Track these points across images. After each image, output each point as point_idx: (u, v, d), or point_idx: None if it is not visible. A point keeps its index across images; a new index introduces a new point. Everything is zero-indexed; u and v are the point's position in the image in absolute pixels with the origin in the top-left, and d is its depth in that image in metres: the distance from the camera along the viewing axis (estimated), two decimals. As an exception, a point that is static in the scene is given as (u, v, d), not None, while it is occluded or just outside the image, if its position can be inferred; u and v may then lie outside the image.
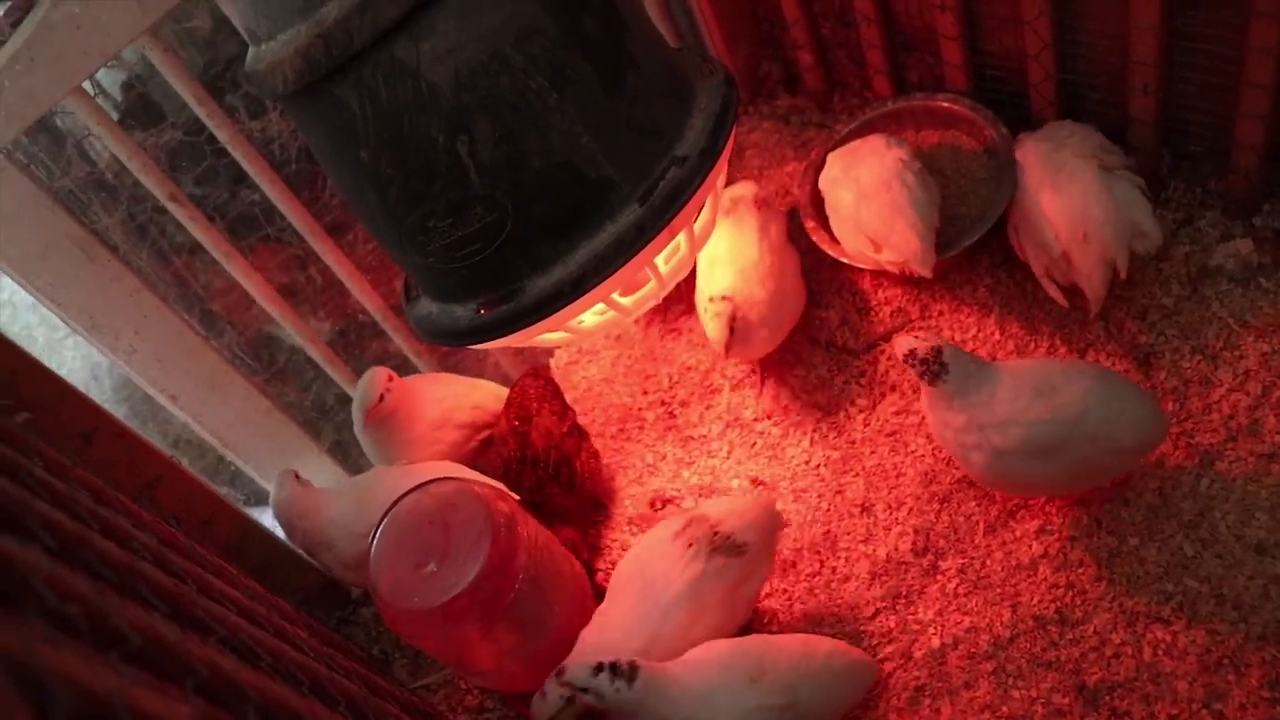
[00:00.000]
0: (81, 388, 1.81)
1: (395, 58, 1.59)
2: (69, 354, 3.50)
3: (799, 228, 2.32)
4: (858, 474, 2.06)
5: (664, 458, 2.27)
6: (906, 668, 1.80)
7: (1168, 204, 2.13)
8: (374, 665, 2.00)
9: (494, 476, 2.09)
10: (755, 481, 2.13)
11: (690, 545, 1.73)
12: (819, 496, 2.06)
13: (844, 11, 2.44)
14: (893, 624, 1.86)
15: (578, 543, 2.09)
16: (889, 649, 1.83)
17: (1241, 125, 1.92)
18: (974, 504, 1.93)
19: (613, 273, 1.76)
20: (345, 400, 2.50)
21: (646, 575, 1.74)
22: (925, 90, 2.44)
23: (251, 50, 1.74)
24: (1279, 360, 1.88)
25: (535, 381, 2.19)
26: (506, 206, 1.69)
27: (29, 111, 1.80)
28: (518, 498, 1.99)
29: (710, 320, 2.06)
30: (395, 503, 1.79)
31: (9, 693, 0.57)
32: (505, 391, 2.25)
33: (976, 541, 1.89)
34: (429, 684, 2.13)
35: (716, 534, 1.74)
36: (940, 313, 2.20)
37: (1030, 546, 1.85)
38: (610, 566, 2.13)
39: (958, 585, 1.86)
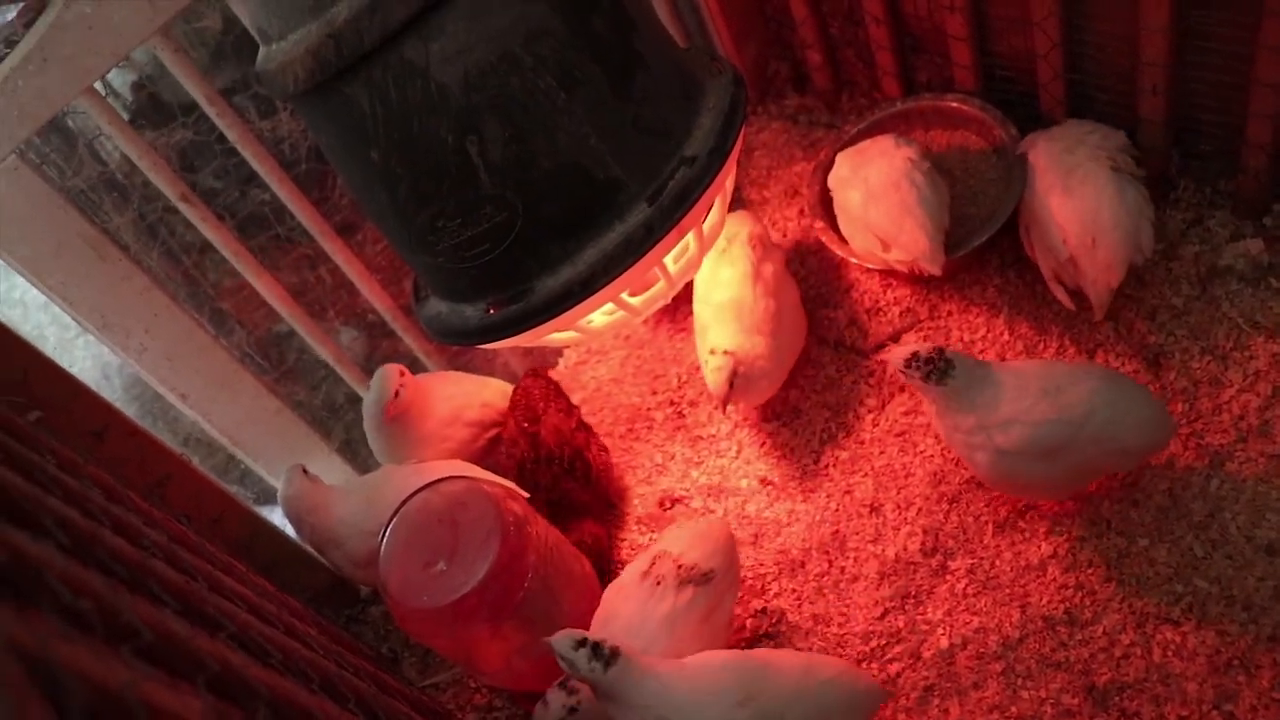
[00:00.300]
0: (93, 386, 1.82)
1: (405, 58, 1.59)
2: (80, 353, 3.51)
3: (805, 229, 2.31)
4: (866, 474, 2.06)
5: (673, 457, 2.27)
6: (915, 668, 1.80)
7: (1177, 204, 2.12)
8: (383, 663, 2.00)
9: (504, 476, 2.09)
10: (764, 481, 2.13)
11: (658, 583, 1.73)
12: (828, 496, 2.06)
13: (853, 11, 2.44)
14: (901, 624, 1.86)
15: (602, 538, 2.09)
16: (897, 649, 1.83)
17: (1252, 125, 1.91)
18: (983, 504, 1.93)
19: (621, 273, 1.77)
20: (355, 399, 2.50)
21: (622, 619, 1.74)
22: (934, 91, 2.43)
23: (262, 50, 1.75)
24: (1289, 361, 1.87)
25: (537, 381, 2.20)
26: (516, 206, 1.69)
27: (42, 111, 1.80)
28: (527, 495, 2.00)
29: (711, 373, 2.04)
30: (405, 501, 1.80)
31: (24, 686, 0.58)
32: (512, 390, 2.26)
33: (985, 542, 1.89)
34: (438, 682, 2.14)
35: (681, 567, 1.74)
36: (949, 313, 2.20)
37: (1040, 547, 1.85)
38: (619, 567, 2.13)
39: (967, 585, 1.86)
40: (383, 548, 1.77)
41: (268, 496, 2.61)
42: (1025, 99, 2.26)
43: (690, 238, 1.97)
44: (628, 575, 1.80)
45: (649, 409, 2.37)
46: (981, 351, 2.11)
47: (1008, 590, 1.83)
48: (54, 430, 1.51)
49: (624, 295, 1.98)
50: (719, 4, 2.55)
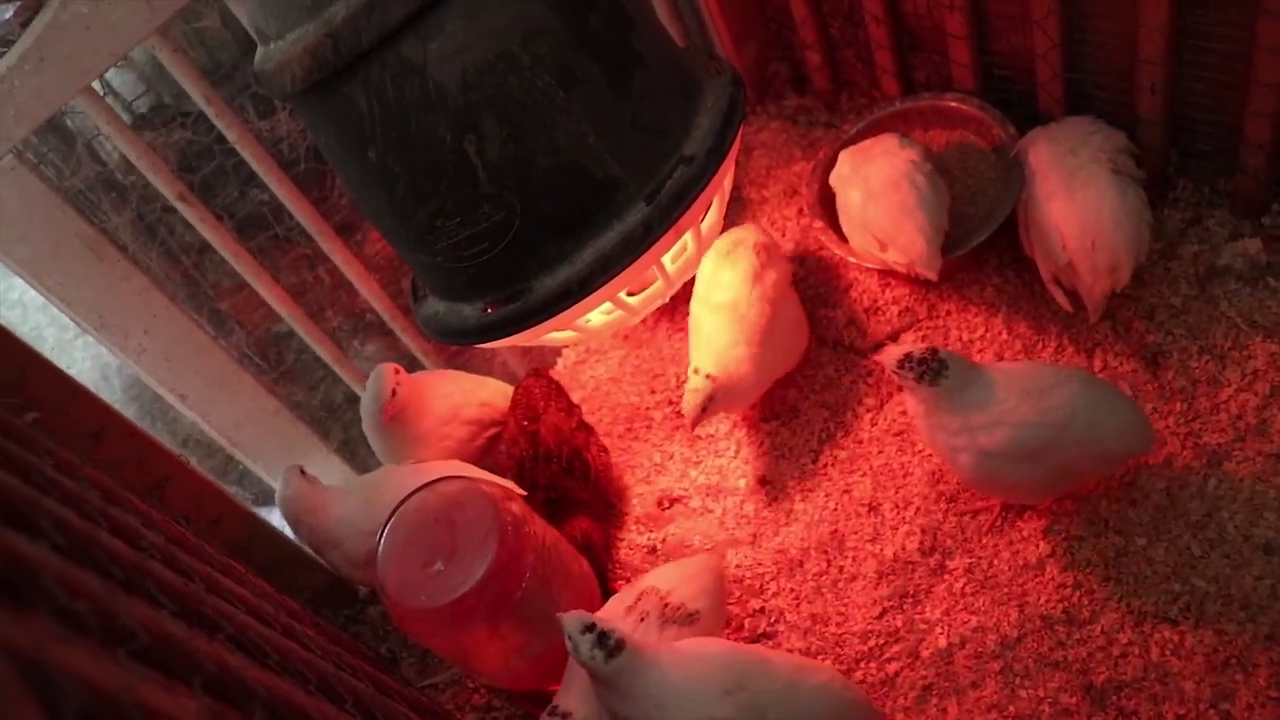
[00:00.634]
0: (91, 388, 1.82)
1: (403, 57, 1.59)
2: (79, 354, 3.51)
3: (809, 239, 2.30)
4: (865, 473, 2.06)
5: (671, 457, 2.27)
6: (914, 667, 1.80)
7: (1176, 203, 2.12)
8: (381, 664, 2.00)
9: (504, 475, 2.09)
10: (762, 481, 2.13)
11: (642, 620, 1.72)
12: (826, 496, 2.06)
13: (852, 11, 2.44)
14: (900, 623, 1.86)
15: (594, 532, 2.08)
16: (896, 648, 1.83)
17: (1250, 124, 1.91)
18: (981, 503, 1.93)
19: (620, 272, 1.77)
20: (353, 399, 2.50)
21: None
22: (933, 90, 2.43)
23: (260, 49, 1.75)
24: (1288, 360, 1.87)
25: (539, 381, 2.20)
26: (514, 205, 1.69)
27: (39, 111, 1.80)
28: (524, 493, 2.00)
29: (688, 393, 2.02)
30: (403, 501, 1.80)
31: (18, 689, 0.58)
32: (512, 389, 2.25)
33: (984, 541, 1.89)
34: (436, 683, 2.14)
35: (667, 605, 1.73)
36: (948, 312, 2.20)
37: (1038, 546, 1.85)
38: (618, 566, 2.13)
39: (965, 585, 1.86)
40: (380, 548, 1.76)
41: (266, 497, 2.61)
42: (1024, 98, 2.26)
43: (688, 237, 1.98)
44: (612, 607, 1.79)
45: (648, 408, 2.37)
46: (980, 351, 2.11)
47: (1006, 589, 1.83)
48: (52, 431, 1.51)
49: (622, 295, 1.99)
50: (719, 4, 2.55)
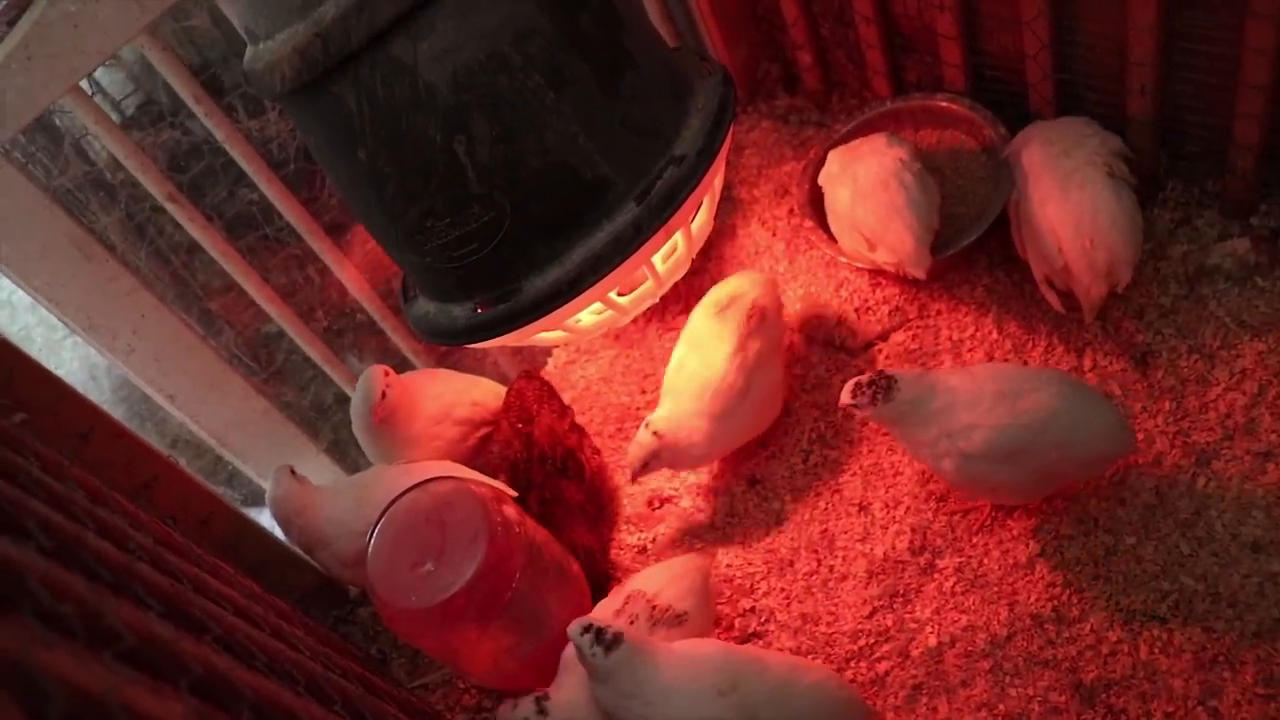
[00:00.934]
0: (80, 388, 1.81)
1: (393, 56, 1.59)
2: (67, 354, 3.50)
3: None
4: (855, 473, 2.07)
5: (662, 457, 2.27)
6: (904, 666, 1.81)
7: (1165, 204, 2.13)
8: (371, 665, 2.00)
9: (496, 477, 2.09)
10: (752, 480, 2.13)
11: (631, 623, 1.72)
12: (816, 495, 2.07)
13: (843, 11, 2.44)
14: (890, 622, 1.86)
15: (594, 550, 2.08)
16: (886, 647, 1.83)
17: (1238, 125, 1.91)
18: (971, 503, 1.93)
19: (610, 272, 1.77)
20: (343, 399, 2.50)
21: None
22: (924, 90, 2.44)
23: (250, 49, 1.74)
24: (1275, 359, 1.88)
25: (531, 383, 2.19)
26: (504, 206, 1.69)
27: (26, 110, 1.80)
28: (515, 494, 2.00)
29: (633, 444, 2.00)
30: (393, 501, 1.80)
31: (2, 692, 0.57)
32: (504, 389, 2.25)
33: (973, 540, 1.89)
34: (427, 683, 2.13)
35: (655, 608, 1.74)
36: (938, 312, 2.20)
37: (1027, 545, 1.85)
38: (610, 566, 2.13)
39: (955, 584, 1.86)
40: (370, 548, 1.76)
41: (256, 498, 2.60)
42: (1015, 99, 2.26)
43: (679, 237, 1.97)
44: (600, 610, 1.80)
45: (638, 408, 2.37)
46: (970, 351, 2.12)
47: (995, 588, 1.83)
48: (39, 432, 1.51)
49: (612, 295, 1.98)
50: (710, 4, 2.55)
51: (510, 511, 1.79)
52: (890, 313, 2.24)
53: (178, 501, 1.93)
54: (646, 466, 2.00)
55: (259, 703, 0.94)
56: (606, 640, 1.52)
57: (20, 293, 2.16)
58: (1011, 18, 2.11)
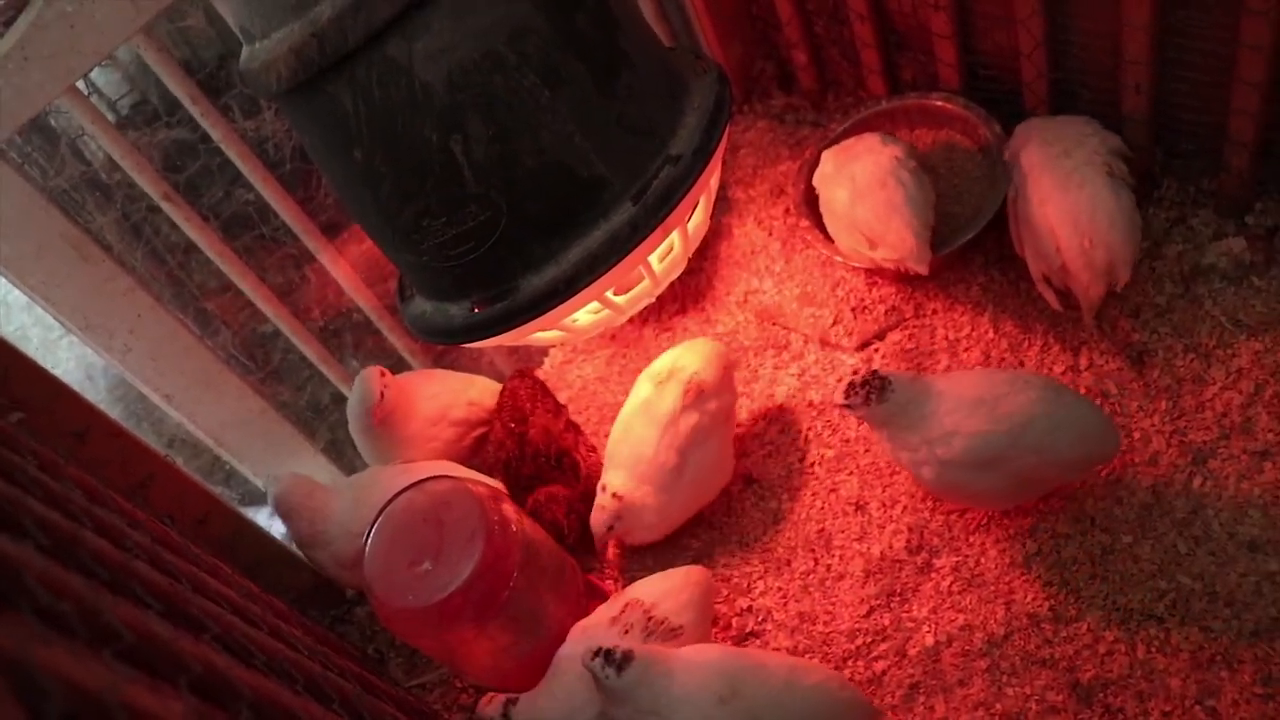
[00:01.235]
0: (76, 388, 1.81)
1: (388, 56, 1.59)
2: (64, 354, 3.50)
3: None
4: (852, 472, 2.07)
5: (659, 456, 2.26)
6: (901, 665, 1.81)
7: (1160, 203, 2.13)
8: (369, 664, 2.00)
9: (490, 475, 2.09)
10: (749, 480, 2.13)
11: (626, 632, 1.72)
12: (813, 495, 2.07)
13: (838, 10, 2.45)
14: (887, 622, 1.86)
15: (560, 496, 2.07)
16: (883, 646, 1.83)
17: (1234, 123, 1.92)
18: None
19: (606, 271, 1.77)
20: (340, 400, 2.50)
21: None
22: (919, 89, 2.44)
23: (245, 49, 1.74)
24: (1271, 358, 1.88)
25: (524, 382, 2.19)
26: (500, 205, 1.69)
27: (22, 110, 1.79)
28: (507, 490, 2.00)
29: (594, 509, 1.99)
30: (390, 501, 1.79)
31: (1, 689, 0.57)
32: (500, 388, 2.25)
33: (970, 539, 1.90)
34: (424, 683, 2.13)
35: (650, 619, 1.73)
36: (934, 311, 2.20)
37: (1024, 544, 1.85)
38: (603, 565, 2.13)
39: (952, 583, 1.86)
40: (367, 547, 1.76)
41: (253, 498, 2.60)
42: (1009, 97, 2.27)
43: (675, 236, 1.98)
44: (597, 617, 1.79)
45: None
46: (966, 350, 2.12)
47: (993, 587, 1.83)
48: (35, 431, 1.51)
49: (609, 294, 1.99)
50: (704, 3, 2.55)
51: (508, 510, 1.79)
52: (886, 312, 2.24)
53: (175, 500, 1.93)
54: (611, 529, 1.98)
55: (257, 701, 0.94)
56: (617, 660, 1.51)
57: (16, 292, 2.15)
58: (1006, 16, 2.11)
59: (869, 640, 1.85)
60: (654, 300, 2.23)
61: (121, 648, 0.77)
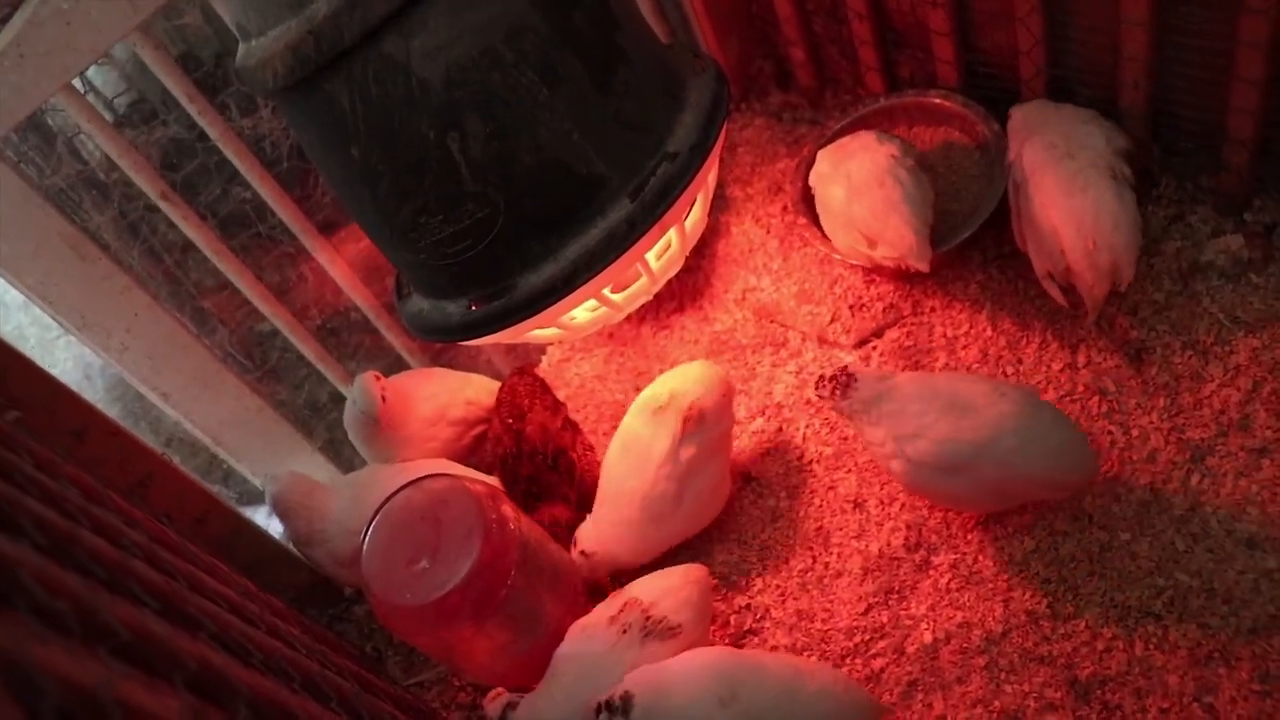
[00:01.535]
0: (74, 387, 1.81)
1: (385, 53, 1.59)
2: (61, 354, 3.50)
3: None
4: (850, 470, 2.07)
5: (657, 454, 2.26)
6: (899, 663, 1.81)
7: (1159, 200, 2.13)
8: (367, 663, 2.00)
9: (488, 473, 2.08)
10: (748, 478, 2.13)
11: (624, 632, 1.72)
12: (811, 492, 2.07)
13: (836, 8, 2.44)
14: (885, 619, 1.86)
15: (563, 520, 2.07)
16: (881, 644, 1.83)
17: (1232, 121, 1.92)
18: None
19: (604, 269, 1.77)
20: (338, 398, 2.49)
21: (585, 661, 1.73)
22: (917, 87, 2.44)
23: (242, 46, 1.74)
24: (1269, 355, 1.88)
25: (524, 379, 2.18)
26: (497, 203, 1.69)
27: (18, 109, 1.79)
28: (503, 489, 1.99)
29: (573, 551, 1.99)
30: (388, 499, 1.79)
31: (-4, 686, 0.57)
32: (498, 386, 2.25)
33: (968, 537, 1.90)
34: (422, 681, 2.13)
35: (649, 618, 1.73)
36: (932, 309, 2.20)
37: (1022, 542, 1.85)
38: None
39: (950, 580, 1.86)
40: (365, 545, 1.76)
41: (251, 497, 2.60)
42: (1008, 95, 2.26)
43: (672, 234, 1.98)
44: (596, 616, 1.79)
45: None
46: (965, 347, 2.12)
47: (991, 585, 1.83)
48: (33, 430, 1.50)
49: (606, 291, 1.99)
50: (703, 1, 2.55)
51: (506, 509, 1.79)
52: (884, 310, 2.24)
53: (173, 500, 1.92)
54: (593, 574, 1.99)
55: (255, 699, 0.94)
56: (617, 708, 1.52)
57: (14, 292, 2.15)
58: (1004, 13, 2.11)
59: (867, 638, 1.85)
60: (652, 298, 2.23)
61: (117, 645, 0.77)
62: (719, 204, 2.58)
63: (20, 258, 1.92)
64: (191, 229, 2.04)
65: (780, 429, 2.19)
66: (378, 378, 2.10)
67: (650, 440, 1.93)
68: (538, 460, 2.06)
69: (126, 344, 2.08)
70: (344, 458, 2.50)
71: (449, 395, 2.24)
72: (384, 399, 2.07)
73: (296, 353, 2.38)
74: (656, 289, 2.14)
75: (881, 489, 2.01)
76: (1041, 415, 1.74)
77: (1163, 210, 2.12)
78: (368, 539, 1.76)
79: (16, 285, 1.95)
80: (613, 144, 1.73)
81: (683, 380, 1.99)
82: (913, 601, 1.87)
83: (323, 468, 2.41)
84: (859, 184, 2.12)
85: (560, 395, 2.32)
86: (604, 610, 1.79)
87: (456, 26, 1.58)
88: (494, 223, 1.71)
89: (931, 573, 1.88)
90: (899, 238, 2.06)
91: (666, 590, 1.79)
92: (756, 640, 1.93)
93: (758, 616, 1.95)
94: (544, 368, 2.57)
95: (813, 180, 2.27)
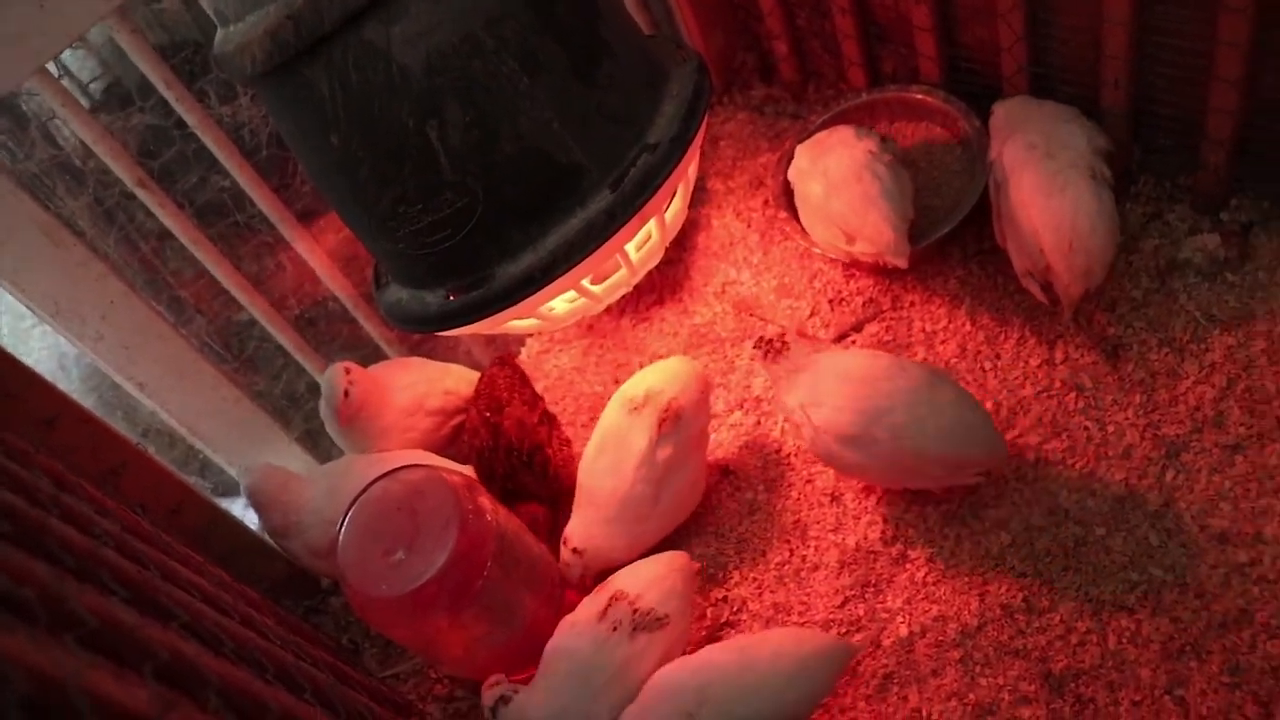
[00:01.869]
0: (49, 377, 1.79)
1: (365, 39, 1.58)
2: (35, 343, 3.46)
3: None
4: (828, 464, 2.07)
5: (635, 447, 2.26)
6: (875, 655, 1.81)
7: (1137, 198, 2.14)
8: (343, 654, 1.99)
9: (464, 464, 2.08)
10: (725, 471, 2.13)
11: (615, 629, 1.72)
12: (789, 485, 2.07)
13: (819, 2, 2.44)
14: (861, 612, 1.87)
15: (541, 518, 2.07)
16: (857, 637, 1.84)
17: (1211, 120, 1.93)
18: (943, 494, 1.94)
19: (583, 259, 1.76)
20: (316, 389, 2.48)
21: (575, 659, 1.73)
22: (899, 82, 2.44)
23: (220, 32, 1.73)
24: (1243, 353, 1.89)
25: (503, 371, 2.17)
26: (477, 192, 1.68)
27: (-9, 92, 1.77)
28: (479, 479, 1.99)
29: (562, 563, 1.98)
30: (364, 490, 1.78)
31: (-42, 675, 0.56)
32: (477, 376, 2.23)
33: (945, 531, 1.90)
34: (398, 673, 2.12)
35: (636, 611, 1.73)
36: (912, 304, 2.20)
37: (999, 536, 1.86)
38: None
39: (926, 574, 1.87)
40: (341, 536, 1.75)
41: (228, 488, 2.58)
42: (989, 91, 2.27)
43: (652, 225, 1.97)
44: (583, 612, 1.79)
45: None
46: (943, 342, 2.12)
47: (967, 579, 1.84)
48: (3, 418, 1.49)
49: (585, 282, 1.98)
50: (686, -7, 2.55)
51: (483, 500, 1.78)
52: (864, 304, 2.25)
53: (148, 490, 1.91)
54: (583, 577, 1.98)
55: (225, 689, 0.93)
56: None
57: (-14, 279, 2.13)
58: (987, 10, 2.12)
59: (844, 630, 1.85)
60: (631, 290, 2.22)
61: (85, 634, 0.76)
62: (700, 197, 2.58)
63: (-8, 244, 1.89)
64: (168, 217, 2.02)
65: (758, 422, 2.19)
66: (349, 369, 2.08)
67: (627, 439, 1.93)
68: (514, 458, 2.05)
69: (101, 332, 2.05)
70: (321, 448, 2.49)
71: (427, 385, 2.23)
72: (348, 393, 2.05)
73: (274, 343, 2.36)
74: (636, 280, 2.14)
75: (859, 483, 2.02)
76: (940, 392, 1.77)
77: (1141, 208, 2.13)
78: (343, 530, 1.75)
79: (-11, 272, 1.93)
80: (594, 134, 1.72)
81: (660, 377, 1.98)
82: (889, 595, 1.87)
83: (300, 458, 2.40)
84: (837, 179, 2.12)
85: (539, 387, 2.32)
86: (590, 605, 1.79)
87: (438, 12, 1.57)
88: (473, 212, 1.70)
89: (908, 566, 1.89)
90: (877, 233, 2.06)
91: (652, 581, 1.80)
92: (733, 633, 1.93)
93: (735, 609, 1.95)
94: (523, 359, 2.57)
95: (791, 176, 2.27)
